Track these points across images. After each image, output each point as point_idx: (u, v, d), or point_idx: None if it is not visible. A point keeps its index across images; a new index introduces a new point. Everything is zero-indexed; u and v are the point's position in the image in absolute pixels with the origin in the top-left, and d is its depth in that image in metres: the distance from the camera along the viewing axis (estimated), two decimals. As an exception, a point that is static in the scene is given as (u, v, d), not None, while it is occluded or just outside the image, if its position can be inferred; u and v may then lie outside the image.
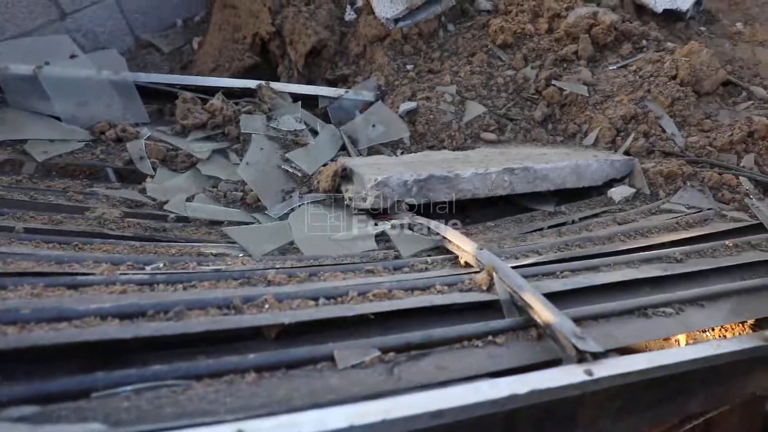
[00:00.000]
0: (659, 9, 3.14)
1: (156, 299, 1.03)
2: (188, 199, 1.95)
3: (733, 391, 1.28)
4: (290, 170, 2.08)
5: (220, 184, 2.07)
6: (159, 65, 3.69)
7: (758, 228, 2.02)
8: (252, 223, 1.87)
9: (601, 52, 2.70)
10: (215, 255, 1.49)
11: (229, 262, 1.34)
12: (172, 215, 1.83)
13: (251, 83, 2.56)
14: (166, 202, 1.91)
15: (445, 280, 1.25)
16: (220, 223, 1.84)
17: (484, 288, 1.21)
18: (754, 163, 2.30)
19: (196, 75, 3.39)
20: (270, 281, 1.18)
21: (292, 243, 1.65)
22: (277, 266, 1.34)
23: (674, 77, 2.48)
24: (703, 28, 3.34)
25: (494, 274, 1.21)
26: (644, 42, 2.75)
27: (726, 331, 1.72)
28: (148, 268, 1.24)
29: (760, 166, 2.31)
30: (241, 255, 1.54)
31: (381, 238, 1.75)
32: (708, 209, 2.03)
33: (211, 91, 2.51)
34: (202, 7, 3.80)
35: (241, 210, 1.95)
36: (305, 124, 2.41)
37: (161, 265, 1.25)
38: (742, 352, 1.18)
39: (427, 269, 1.37)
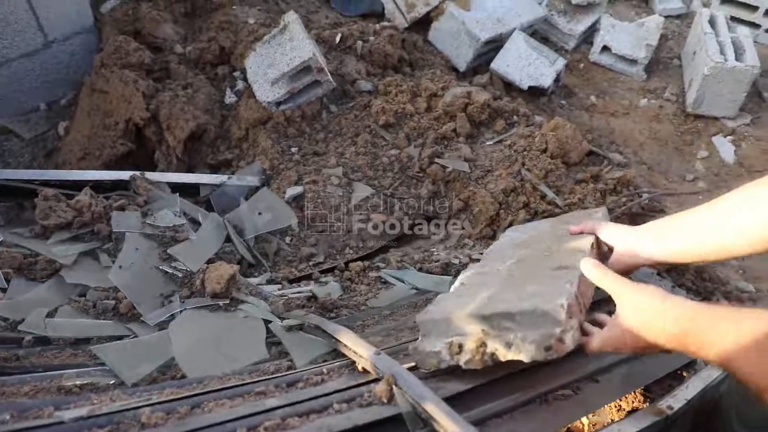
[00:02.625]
0: (525, 86, 3.40)
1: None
2: (49, 315, 1.71)
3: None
4: (170, 270, 1.92)
5: (89, 293, 1.85)
6: (19, 153, 3.37)
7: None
8: (127, 336, 1.68)
9: (478, 128, 2.84)
10: (80, 387, 1.30)
11: (95, 402, 1.16)
12: (28, 337, 1.59)
13: (124, 175, 2.38)
14: (21, 321, 1.67)
15: (344, 396, 1.16)
16: (88, 340, 1.63)
17: (385, 401, 1.14)
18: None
19: (63, 163, 3.13)
20: (144, 424, 1.03)
21: (173, 359, 1.49)
22: (154, 398, 1.18)
23: (545, 150, 2.65)
24: (563, 102, 3.66)
25: (394, 385, 1.15)
26: (515, 117, 2.94)
27: (621, 400, 1.77)
28: (-12, 425, 1.03)
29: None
30: (112, 382, 1.36)
31: (273, 340, 1.64)
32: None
33: (78, 185, 2.30)
34: (69, 88, 3.54)
35: (114, 321, 1.75)
36: (186, 215, 2.26)
37: (7, 417, 1.06)
38: (642, 432, 1.19)
39: (323, 380, 1.27)
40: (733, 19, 4.09)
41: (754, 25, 4.14)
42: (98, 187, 2.31)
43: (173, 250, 2.04)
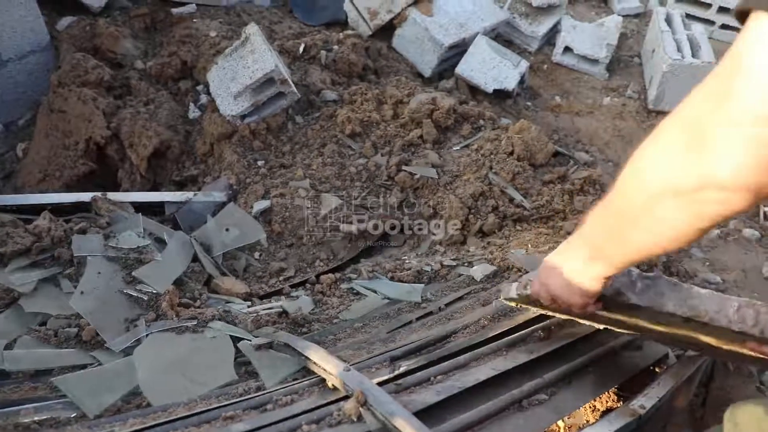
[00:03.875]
0: (490, 89, 3.42)
1: None
2: (8, 346, 1.65)
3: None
4: (134, 294, 1.87)
5: (50, 321, 1.79)
6: (-25, 177, 3.27)
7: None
8: (90, 364, 1.63)
9: (444, 134, 2.84)
10: (39, 423, 1.25)
11: (54, 439, 1.12)
12: (-15, 371, 1.53)
13: (84, 196, 2.32)
14: (-22, 355, 1.60)
15: (312, 416, 1.14)
16: (50, 371, 1.58)
17: (355, 419, 1.12)
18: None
19: (22, 186, 3.04)
20: (104, 460, 0.99)
21: (138, 387, 1.44)
22: (116, 431, 1.14)
23: (511, 153, 2.67)
24: (529, 103, 3.69)
25: (363, 402, 1.13)
26: (481, 121, 2.95)
27: (595, 401, 1.78)
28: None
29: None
30: (73, 415, 1.31)
31: (242, 359, 1.61)
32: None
33: (37, 209, 2.23)
34: (26, 108, 3.45)
35: (77, 350, 1.69)
36: (151, 235, 2.21)
37: (-42, 461, 1.01)
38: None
39: (293, 401, 1.25)
40: (689, 16, 4.18)
41: (708, 22, 4.25)
42: (58, 210, 2.25)
43: (138, 272, 1.99)
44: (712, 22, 4.27)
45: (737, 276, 2.80)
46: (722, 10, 4.22)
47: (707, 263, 2.87)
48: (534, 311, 1.69)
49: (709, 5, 4.26)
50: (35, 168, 2.99)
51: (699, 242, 2.96)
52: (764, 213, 3.26)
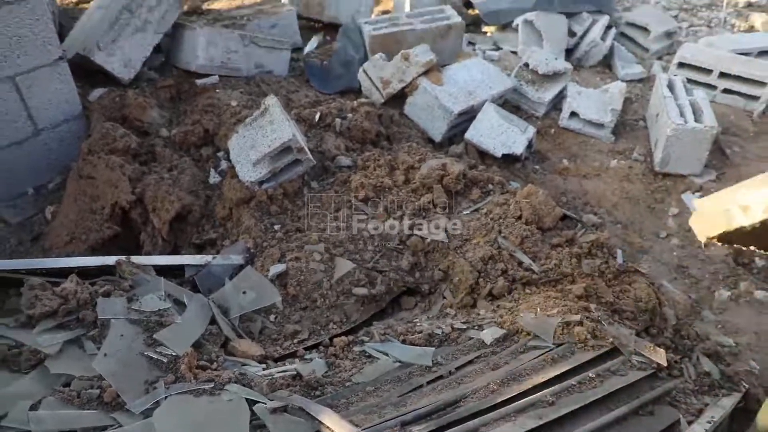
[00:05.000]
0: (499, 154, 3.55)
1: None
2: (33, 407, 1.72)
3: None
4: (155, 356, 1.94)
5: (74, 382, 1.86)
6: (5, 238, 3.40)
7: (615, 352, 2.19)
8: (111, 426, 1.68)
9: (455, 198, 2.94)
10: (63, 485, 1.30)
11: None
12: (11, 432, 1.60)
13: (109, 260, 2.43)
14: (4, 416, 1.67)
15: (325, 482, 1.18)
16: (72, 432, 1.64)
17: (366, 485, 1.16)
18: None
19: (49, 248, 3.17)
20: None
21: (157, 450, 1.49)
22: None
23: (519, 217, 2.75)
24: (537, 167, 3.81)
25: (374, 468, 1.17)
26: (490, 186, 3.05)
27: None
28: None
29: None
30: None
31: (257, 422, 1.65)
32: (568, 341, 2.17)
33: (64, 272, 2.34)
34: (56, 173, 3.62)
35: (99, 411, 1.75)
36: (171, 297, 2.30)
37: None
38: None
39: (306, 466, 1.29)
40: (691, 81, 4.34)
41: (710, 87, 4.39)
42: (85, 273, 2.36)
43: (159, 335, 2.07)
44: (713, 87, 4.41)
45: (750, 338, 2.79)
46: (723, 75, 4.37)
47: (719, 326, 2.87)
48: None
49: (710, 71, 4.41)
50: (63, 231, 3.12)
51: (710, 305, 2.98)
52: (775, 274, 3.26)
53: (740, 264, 3.30)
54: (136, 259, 2.47)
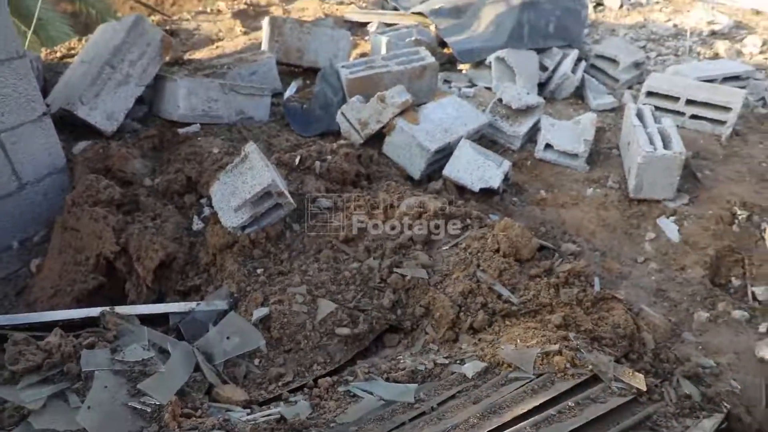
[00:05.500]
0: (476, 188, 3.64)
1: None
2: (16, 466, 1.73)
3: None
4: (138, 406, 1.95)
5: (57, 438, 1.87)
6: (-11, 293, 3.42)
7: (595, 379, 2.23)
8: (94, 480, 1.69)
9: (433, 234, 3.00)
10: None
11: None
12: (-7, 493, 1.60)
13: (93, 311, 2.45)
14: (-13, 476, 1.67)
15: None
16: (55, 489, 1.64)
17: None
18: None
19: (34, 301, 3.18)
20: None
21: (140, 502, 1.51)
22: None
23: (497, 250, 2.81)
24: (515, 199, 3.90)
25: None
26: (468, 220, 3.12)
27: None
28: None
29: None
30: None
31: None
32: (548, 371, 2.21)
33: (49, 325, 2.36)
34: (41, 226, 3.66)
35: (82, 466, 1.76)
36: (155, 346, 2.32)
37: None
38: None
39: None
40: (659, 109, 4.49)
41: (678, 113, 4.54)
42: (69, 326, 2.38)
43: (143, 385, 2.09)
44: (682, 113, 4.56)
45: (730, 358, 2.84)
46: (690, 102, 4.52)
47: (700, 347, 2.92)
48: None
49: (677, 98, 4.57)
50: (48, 283, 3.15)
51: (690, 326, 3.03)
52: (752, 293, 3.34)
53: (717, 285, 3.38)
54: (120, 309, 2.50)
